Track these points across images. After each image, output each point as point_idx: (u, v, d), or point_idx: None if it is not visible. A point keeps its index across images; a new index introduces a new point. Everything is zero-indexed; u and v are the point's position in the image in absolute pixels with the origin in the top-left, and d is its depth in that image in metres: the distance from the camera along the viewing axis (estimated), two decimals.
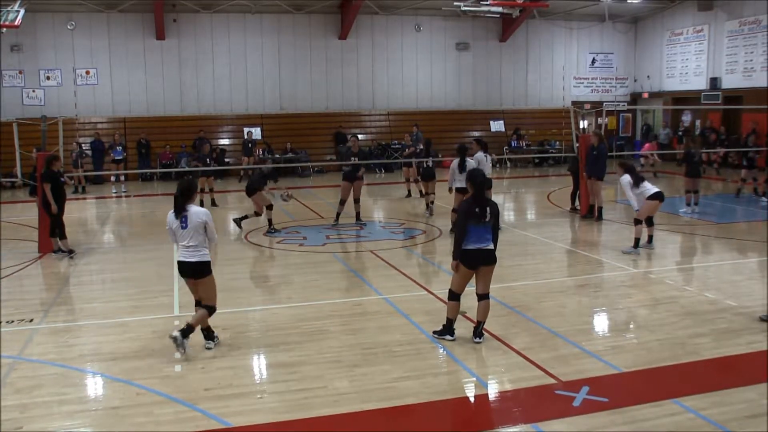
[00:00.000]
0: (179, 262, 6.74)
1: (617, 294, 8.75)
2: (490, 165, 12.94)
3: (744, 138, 19.11)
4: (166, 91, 24.06)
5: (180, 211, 6.60)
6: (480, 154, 12.48)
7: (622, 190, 11.36)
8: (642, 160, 21.71)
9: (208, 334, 6.88)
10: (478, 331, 6.86)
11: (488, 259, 6.70)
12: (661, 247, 11.28)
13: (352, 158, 13.59)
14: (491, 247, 6.72)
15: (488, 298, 6.85)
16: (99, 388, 6.09)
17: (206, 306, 6.74)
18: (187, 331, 6.54)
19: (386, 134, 26.01)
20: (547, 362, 6.33)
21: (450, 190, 12.21)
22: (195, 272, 6.68)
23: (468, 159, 11.95)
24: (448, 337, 6.91)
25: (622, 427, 5.11)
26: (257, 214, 13.16)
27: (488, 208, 6.68)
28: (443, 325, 6.98)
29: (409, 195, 17.96)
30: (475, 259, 6.66)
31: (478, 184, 6.70)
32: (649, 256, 10.71)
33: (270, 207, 13.13)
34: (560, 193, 18.10)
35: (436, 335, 7.00)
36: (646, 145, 22.16)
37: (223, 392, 5.81)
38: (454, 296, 6.86)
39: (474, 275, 6.76)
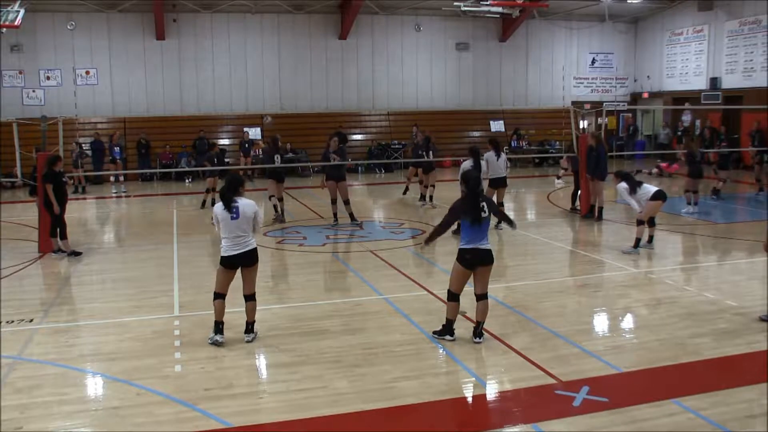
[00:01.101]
0: (233, 256, 6.81)
1: (617, 294, 8.75)
2: (503, 164, 12.96)
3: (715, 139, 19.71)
4: (166, 91, 24.04)
5: (230, 204, 6.78)
6: (489, 154, 12.57)
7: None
8: (655, 170, 20.21)
9: (217, 328, 6.90)
10: (478, 332, 6.87)
11: (485, 258, 6.70)
12: (661, 247, 11.27)
13: (332, 158, 13.64)
14: (488, 246, 6.72)
15: (487, 298, 6.85)
16: (99, 388, 6.09)
17: (252, 296, 7.00)
18: (251, 328, 7.03)
19: (386, 134, 25.99)
20: (547, 362, 6.33)
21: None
22: (252, 260, 6.89)
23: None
24: (447, 337, 6.92)
25: (622, 427, 5.11)
26: (281, 199, 14.17)
27: (484, 204, 6.69)
28: (443, 326, 6.98)
29: (405, 192, 17.89)
30: (472, 258, 6.66)
31: (471, 184, 6.71)
32: (650, 256, 10.70)
33: (281, 199, 14.10)
34: (560, 193, 18.09)
35: (436, 335, 7.01)
36: (674, 166, 20.32)
37: (223, 392, 5.81)
38: (453, 297, 6.86)
39: (472, 275, 6.77)
